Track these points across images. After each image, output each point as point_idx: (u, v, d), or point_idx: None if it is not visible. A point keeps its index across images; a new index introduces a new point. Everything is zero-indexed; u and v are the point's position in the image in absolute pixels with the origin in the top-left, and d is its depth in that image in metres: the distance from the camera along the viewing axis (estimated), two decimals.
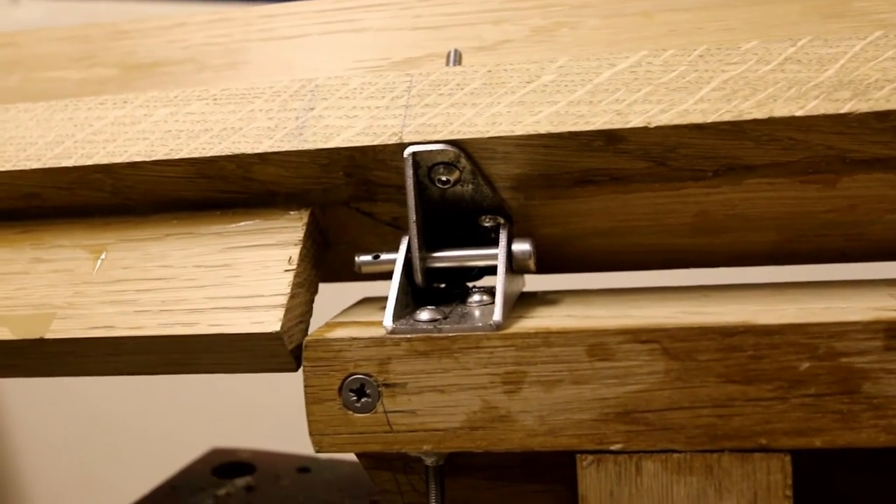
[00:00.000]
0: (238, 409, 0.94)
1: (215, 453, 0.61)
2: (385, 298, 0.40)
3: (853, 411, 0.30)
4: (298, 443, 0.66)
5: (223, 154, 0.37)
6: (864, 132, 0.33)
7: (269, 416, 0.91)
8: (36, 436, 1.06)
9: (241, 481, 0.56)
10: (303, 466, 0.59)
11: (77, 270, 0.39)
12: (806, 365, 0.30)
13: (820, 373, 0.30)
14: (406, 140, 0.36)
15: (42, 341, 0.36)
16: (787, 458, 0.31)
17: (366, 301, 0.41)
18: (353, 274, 0.41)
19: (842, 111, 0.32)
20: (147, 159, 0.38)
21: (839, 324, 0.30)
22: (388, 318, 0.34)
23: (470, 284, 0.39)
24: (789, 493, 0.31)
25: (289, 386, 0.91)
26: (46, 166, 0.39)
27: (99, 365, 0.37)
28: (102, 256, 0.39)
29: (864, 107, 0.32)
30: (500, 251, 0.36)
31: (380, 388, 0.33)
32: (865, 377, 0.30)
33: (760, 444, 0.31)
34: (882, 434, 0.30)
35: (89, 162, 0.39)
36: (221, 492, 0.55)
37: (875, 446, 0.30)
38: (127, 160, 0.38)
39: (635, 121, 0.34)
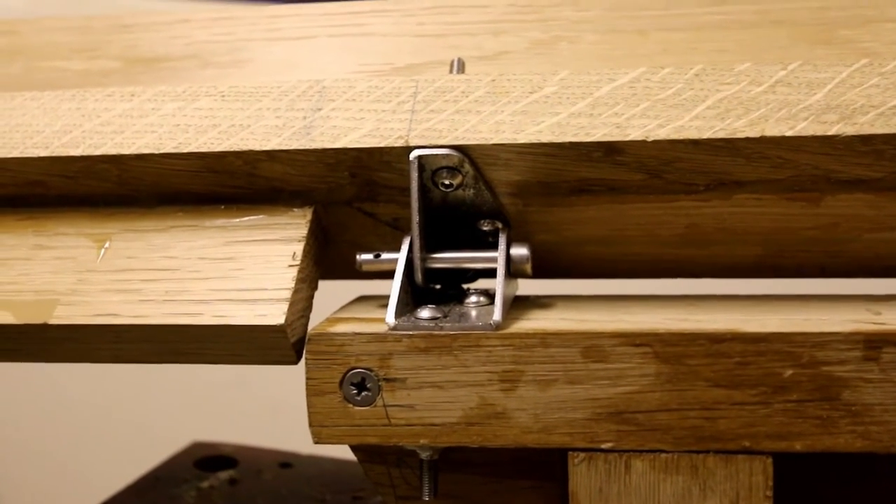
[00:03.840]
0: (216, 404, 0.94)
1: (197, 447, 0.62)
2: (381, 297, 0.42)
3: (832, 417, 0.32)
4: (277, 439, 0.66)
5: (231, 150, 0.38)
6: (848, 154, 0.35)
7: (247, 412, 0.92)
8: (12, 427, 1.05)
9: (223, 475, 0.57)
10: (285, 462, 0.60)
11: (80, 258, 0.39)
12: (789, 372, 0.32)
13: (802, 380, 0.32)
14: (412, 143, 0.37)
15: (45, 326, 0.37)
16: (769, 461, 0.33)
17: (363, 299, 0.42)
18: (351, 272, 0.42)
19: (829, 133, 0.34)
20: (155, 152, 0.39)
21: (821, 334, 0.32)
22: (390, 315, 0.35)
23: (465, 287, 0.40)
24: (769, 493, 0.33)
25: (268, 383, 0.92)
26: (54, 154, 0.40)
27: (100, 352, 0.38)
28: (106, 245, 0.39)
29: (850, 130, 0.34)
30: (500, 254, 0.37)
31: (380, 383, 0.34)
32: (845, 385, 0.32)
33: (744, 446, 0.32)
34: (859, 440, 0.32)
35: (97, 152, 0.39)
36: (205, 484, 0.55)
37: (852, 451, 0.32)
38: (135, 152, 0.39)
39: (634, 134, 0.35)
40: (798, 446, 0.32)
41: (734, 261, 0.40)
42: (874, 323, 0.33)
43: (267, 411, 0.93)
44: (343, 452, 0.62)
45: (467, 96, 0.38)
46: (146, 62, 0.48)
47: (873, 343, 0.31)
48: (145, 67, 0.48)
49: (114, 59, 0.49)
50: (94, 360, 0.38)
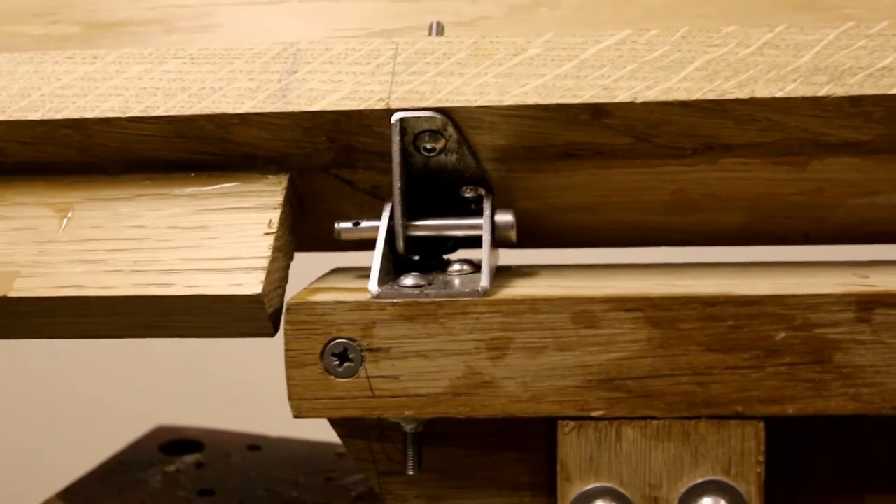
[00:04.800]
0: (175, 388, 0.91)
1: (161, 430, 0.60)
2: (358, 269, 0.40)
3: (824, 380, 0.31)
4: (242, 423, 0.65)
5: (203, 113, 0.36)
6: (837, 116, 0.34)
7: (208, 396, 0.89)
8: None
9: (190, 458, 0.55)
10: (253, 444, 0.58)
11: (41, 228, 0.37)
12: (782, 335, 0.31)
13: (795, 343, 0.31)
14: (393, 106, 0.36)
15: (5, 300, 0.35)
16: (761, 425, 0.32)
17: (339, 271, 0.41)
18: (326, 243, 0.41)
19: (819, 94, 0.34)
20: (121, 115, 0.37)
21: (815, 296, 0.31)
22: (373, 283, 0.34)
23: (446, 257, 0.39)
24: (762, 458, 0.32)
25: (229, 366, 0.90)
26: (11, 119, 0.37)
27: (65, 327, 0.36)
28: (69, 215, 0.37)
29: (839, 91, 0.34)
30: (485, 220, 0.36)
31: (363, 353, 0.33)
32: (837, 347, 0.31)
33: (736, 411, 0.32)
34: (850, 402, 0.31)
35: (58, 116, 0.37)
36: (171, 468, 0.54)
37: (843, 414, 0.32)
38: (99, 115, 0.37)
39: (622, 96, 0.35)
40: (790, 410, 0.32)
41: (718, 228, 0.39)
42: (864, 285, 0.32)
43: (229, 396, 0.91)
44: (313, 434, 0.61)
45: (449, 58, 0.37)
46: (108, 27, 0.46)
47: (865, 304, 0.31)
48: (107, 32, 0.46)
49: (74, 23, 0.46)
50: (57, 336, 0.36)
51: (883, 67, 0.34)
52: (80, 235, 0.37)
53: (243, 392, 0.91)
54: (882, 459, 0.35)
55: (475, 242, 0.37)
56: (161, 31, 0.46)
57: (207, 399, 0.89)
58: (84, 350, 0.86)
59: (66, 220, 0.37)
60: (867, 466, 0.35)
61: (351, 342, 0.33)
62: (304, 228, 0.40)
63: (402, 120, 0.35)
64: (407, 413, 0.33)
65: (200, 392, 0.91)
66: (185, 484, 0.52)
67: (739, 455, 0.32)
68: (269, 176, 0.38)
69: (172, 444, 0.58)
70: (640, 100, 0.34)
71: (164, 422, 0.63)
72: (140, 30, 0.46)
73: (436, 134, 0.36)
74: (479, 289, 0.33)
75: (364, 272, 0.39)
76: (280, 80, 0.37)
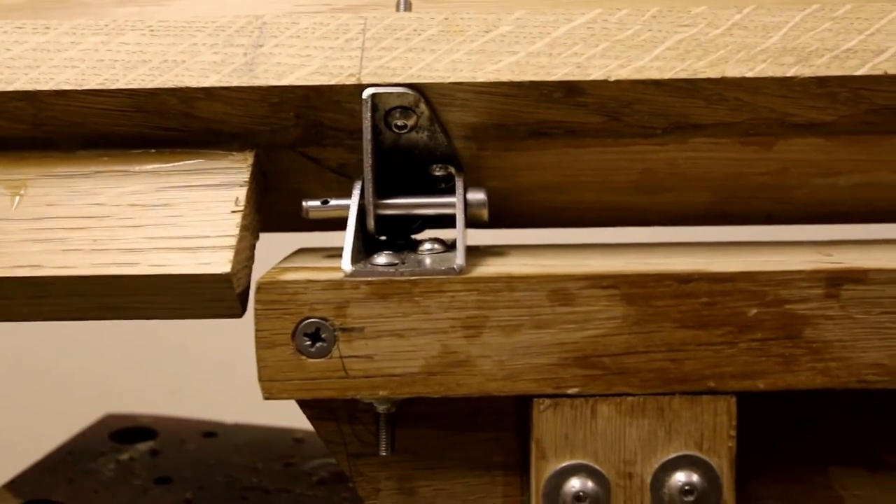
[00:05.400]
0: (122, 377, 0.89)
1: (111, 419, 0.58)
2: (325, 249, 0.40)
3: (794, 355, 0.32)
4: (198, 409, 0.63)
5: (165, 87, 0.35)
6: (804, 96, 0.35)
7: (158, 384, 0.87)
8: None
9: (143, 446, 0.54)
10: (208, 431, 0.57)
11: None
12: (754, 311, 0.32)
13: (766, 318, 0.32)
14: (364, 81, 0.35)
15: None
16: (733, 400, 0.33)
17: (305, 251, 0.40)
18: (291, 223, 0.40)
19: (787, 75, 0.34)
20: (77, 88, 0.35)
21: (785, 272, 0.32)
22: (346, 262, 0.33)
23: (415, 237, 0.38)
24: (733, 433, 0.33)
25: (176, 351, 0.87)
26: None
27: (22, 309, 0.34)
28: (21, 192, 0.36)
29: (807, 72, 0.34)
30: (458, 198, 0.35)
31: (336, 333, 0.32)
32: (806, 323, 0.32)
33: (709, 386, 0.32)
34: (819, 376, 0.32)
35: (9, 88, 0.36)
36: (124, 457, 0.52)
37: (812, 388, 0.32)
38: (54, 88, 0.35)
39: (595, 74, 0.35)
40: (761, 385, 0.32)
41: (684, 208, 0.40)
42: (831, 262, 0.33)
43: (180, 384, 0.89)
44: (270, 419, 0.60)
45: (420, 34, 0.36)
46: None
47: (834, 280, 0.32)
48: (55, 4, 0.44)
49: None
50: (12, 319, 0.35)
51: (848, 49, 0.35)
52: (34, 213, 0.35)
53: (190, 377, 0.89)
54: (844, 432, 0.36)
55: (443, 222, 0.37)
56: (113, 2, 0.44)
57: (153, 385, 0.86)
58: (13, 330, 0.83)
59: (18, 198, 0.36)
60: (830, 439, 0.36)
61: (323, 322, 0.32)
62: (266, 208, 0.40)
63: (373, 96, 0.35)
64: (381, 393, 0.33)
65: (145, 378, 0.88)
66: (139, 472, 0.50)
67: (712, 430, 0.33)
68: (234, 153, 0.37)
69: (123, 431, 0.56)
70: (613, 78, 0.34)
71: (105, 409, 0.61)
72: (91, 1, 0.44)
73: (407, 111, 0.35)
74: (455, 266, 0.32)
75: (332, 252, 0.38)
76: (246, 54, 0.36)
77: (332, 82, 0.35)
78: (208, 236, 0.34)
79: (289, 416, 0.46)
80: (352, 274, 0.32)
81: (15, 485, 0.49)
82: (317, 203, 0.36)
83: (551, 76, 0.35)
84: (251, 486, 0.49)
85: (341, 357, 0.32)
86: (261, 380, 0.33)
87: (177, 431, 0.56)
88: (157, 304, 0.34)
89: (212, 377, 0.89)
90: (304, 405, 0.35)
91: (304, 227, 0.40)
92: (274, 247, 0.41)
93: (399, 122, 0.35)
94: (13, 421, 0.89)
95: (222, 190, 0.35)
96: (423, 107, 0.35)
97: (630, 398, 0.33)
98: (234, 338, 0.49)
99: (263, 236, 0.40)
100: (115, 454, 0.52)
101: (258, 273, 0.35)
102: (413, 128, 0.36)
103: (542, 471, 0.33)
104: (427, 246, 0.36)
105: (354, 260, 0.33)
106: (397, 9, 0.40)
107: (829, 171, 0.38)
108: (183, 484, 0.49)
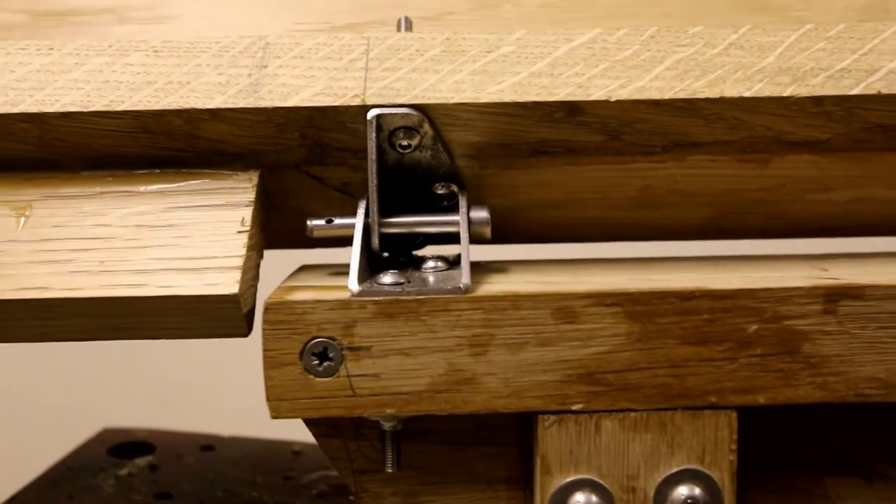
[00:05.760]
0: (114, 391, 0.89)
1: (108, 433, 0.58)
2: (328, 266, 0.40)
3: (793, 370, 0.33)
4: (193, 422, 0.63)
5: (171, 108, 0.35)
6: (800, 115, 0.36)
7: (151, 398, 0.87)
8: None
9: (141, 461, 0.54)
10: (206, 444, 0.57)
11: None
12: (754, 327, 0.33)
13: (766, 334, 0.33)
14: (369, 102, 0.35)
15: None
16: (734, 415, 0.33)
17: (307, 268, 0.40)
18: (294, 240, 0.40)
19: (784, 94, 0.35)
20: (83, 110, 0.36)
21: (784, 289, 0.32)
22: (353, 281, 0.33)
23: (417, 253, 0.39)
24: (734, 447, 0.33)
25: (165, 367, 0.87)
26: None
27: (28, 330, 0.34)
28: (27, 213, 0.36)
29: (803, 91, 0.35)
30: (462, 216, 0.36)
31: (343, 352, 0.33)
32: (805, 338, 0.33)
33: (710, 401, 0.33)
34: (817, 391, 0.33)
35: (15, 110, 0.36)
36: (123, 472, 0.52)
37: (811, 402, 0.33)
38: (60, 110, 0.36)
39: (596, 94, 0.35)
40: (761, 399, 0.33)
41: (682, 223, 0.40)
42: (828, 278, 0.34)
43: (169, 395, 0.89)
44: (268, 432, 0.60)
45: (422, 55, 0.37)
46: (56, 16, 0.44)
47: (831, 296, 0.32)
48: (55, 21, 0.44)
49: (18, 11, 0.44)
50: (19, 340, 0.35)
51: (842, 69, 0.36)
52: (40, 234, 0.35)
53: (184, 391, 0.89)
54: (840, 443, 0.37)
55: (444, 239, 0.38)
56: (113, 20, 0.44)
57: (147, 399, 0.86)
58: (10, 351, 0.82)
59: (24, 219, 0.36)
60: (827, 450, 0.37)
61: (331, 341, 0.33)
62: (270, 226, 0.40)
63: (378, 117, 0.35)
64: (388, 411, 0.33)
65: (140, 392, 0.88)
66: (139, 488, 0.50)
67: (713, 444, 0.33)
68: (239, 173, 0.37)
69: (121, 446, 0.56)
70: (614, 98, 0.35)
71: (102, 424, 0.61)
72: (92, 19, 0.44)
73: (411, 131, 0.36)
74: (461, 285, 0.33)
75: (335, 269, 0.38)
76: (250, 75, 0.36)
77: (338, 103, 0.35)
78: (215, 257, 0.34)
79: (282, 428, 0.46)
80: (359, 294, 0.33)
81: (16, 501, 0.48)
82: (321, 222, 0.37)
83: (553, 96, 0.35)
84: (251, 500, 0.49)
85: (349, 376, 0.33)
86: (269, 399, 0.33)
87: (174, 445, 0.56)
88: (164, 324, 0.34)
89: (201, 389, 0.89)
90: (310, 423, 0.36)
91: (308, 244, 0.40)
92: (270, 261, 0.41)
93: (403, 142, 0.36)
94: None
95: (228, 210, 0.36)
96: (426, 127, 0.36)
97: (633, 413, 0.33)
98: (225, 349, 0.49)
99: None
100: (115, 469, 0.52)
101: (259, 290, 0.36)
102: (417, 147, 0.36)
103: (548, 486, 0.34)
104: (431, 264, 0.36)
105: (361, 279, 0.34)
106: (398, 28, 0.40)
107: (824, 187, 0.39)
108: (183, 499, 0.49)
